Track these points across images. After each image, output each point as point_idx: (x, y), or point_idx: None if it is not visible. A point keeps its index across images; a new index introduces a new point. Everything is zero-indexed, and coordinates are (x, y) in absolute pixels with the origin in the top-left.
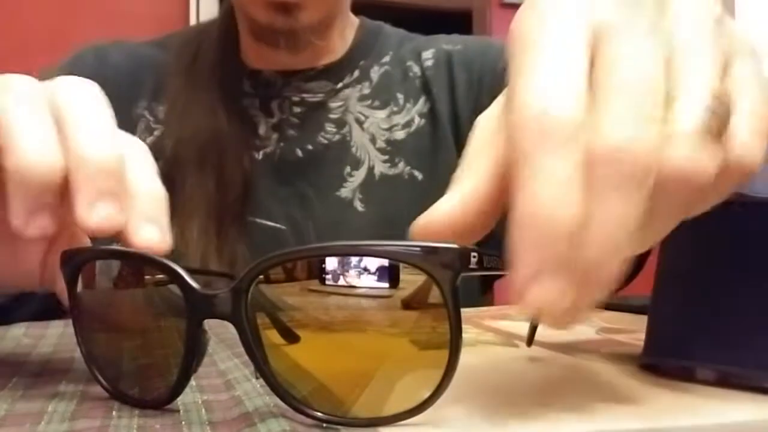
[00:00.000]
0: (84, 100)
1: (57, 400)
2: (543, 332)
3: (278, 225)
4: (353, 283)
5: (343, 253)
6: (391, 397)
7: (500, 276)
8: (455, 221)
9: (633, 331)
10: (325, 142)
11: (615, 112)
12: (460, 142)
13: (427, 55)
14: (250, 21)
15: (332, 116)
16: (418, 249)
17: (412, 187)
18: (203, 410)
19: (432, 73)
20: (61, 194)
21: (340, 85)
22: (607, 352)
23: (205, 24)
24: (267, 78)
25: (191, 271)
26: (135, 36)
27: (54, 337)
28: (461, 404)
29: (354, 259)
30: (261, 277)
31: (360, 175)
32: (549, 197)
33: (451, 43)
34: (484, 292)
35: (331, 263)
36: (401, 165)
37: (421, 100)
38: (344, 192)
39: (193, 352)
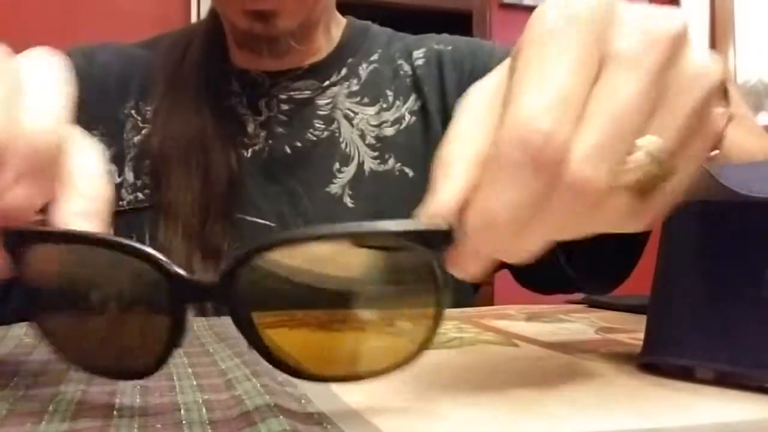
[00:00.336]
0: (43, 77)
1: (58, 400)
2: (543, 332)
3: (267, 222)
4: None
5: (335, 236)
6: (382, 354)
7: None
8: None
9: (632, 330)
10: (314, 138)
11: (588, 150)
12: None
13: (418, 54)
14: (232, 27)
15: (320, 113)
16: (404, 229)
17: (403, 183)
18: (204, 410)
19: (423, 72)
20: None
21: (326, 83)
22: (606, 352)
23: (193, 25)
24: (254, 78)
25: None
26: (135, 36)
27: None
28: (461, 404)
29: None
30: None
31: (350, 171)
32: (504, 219)
33: (442, 43)
34: (476, 289)
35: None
36: (391, 161)
37: (412, 98)
38: (334, 188)
39: (177, 337)
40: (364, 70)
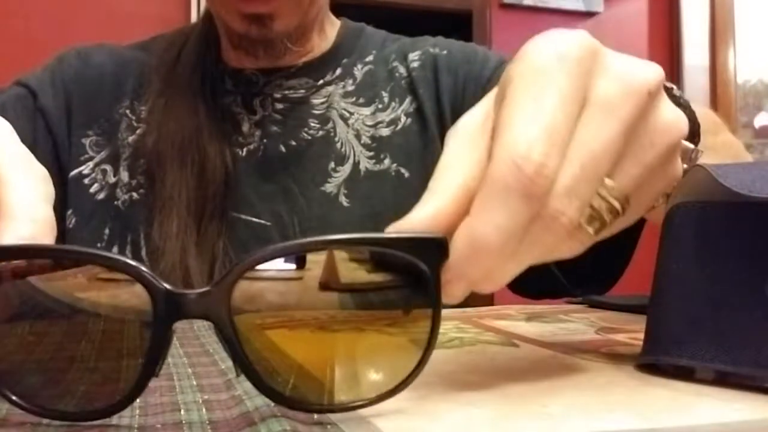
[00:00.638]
0: None
1: None
2: (543, 332)
3: (262, 221)
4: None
5: (328, 247)
6: (375, 378)
7: None
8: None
9: (632, 330)
10: (309, 137)
11: (566, 185)
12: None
13: (414, 56)
14: (227, 29)
15: (315, 112)
16: (404, 239)
17: (398, 184)
18: (204, 410)
19: (418, 75)
20: None
21: (321, 81)
22: (606, 352)
23: (188, 26)
24: (248, 77)
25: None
26: (135, 36)
27: None
28: (461, 404)
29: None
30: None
31: (345, 170)
32: (493, 244)
33: (438, 46)
34: None
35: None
36: (387, 161)
37: (407, 100)
38: (329, 187)
39: (159, 353)
40: (359, 71)
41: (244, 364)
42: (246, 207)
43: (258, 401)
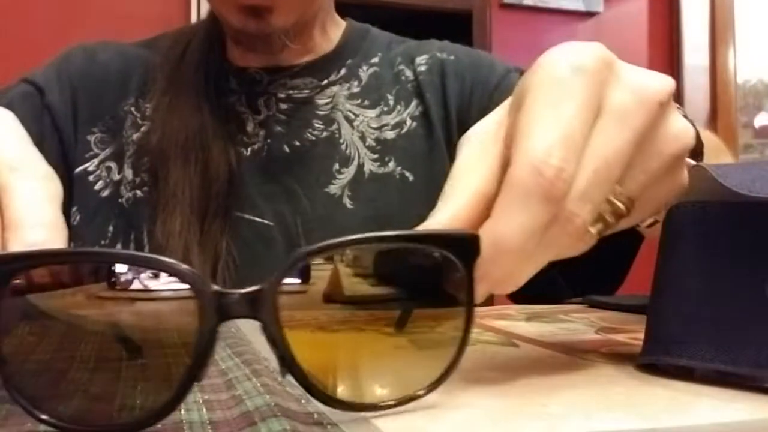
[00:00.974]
0: None
1: None
2: (543, 332)
3: (265, 221)
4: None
5: (371, 243)
6: (414, 377)
7: None
8: None
9: (632, 330)
10: (313, 138)
11: (581, 189)
12: (451, 148)
13: (421, 60)
14: (226, 24)
15: (320, 113)
16: (447, 235)
17: (402, 187)
18: (204, 410)
19: (425, 78)
20: None
21: (325, 81)
22: (606, 352)
23: (193, 25)
24: (252, 75)
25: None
26: (135, 36)
27: None
28: (461, 404)
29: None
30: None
31: (349, 172)
32: (515, 244)
33: (444, 51)
34: None
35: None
36: (391, 164)
37: (413, 104)
38: (333, 188)
39: (205, 356)
40: (364, 73)
41: (290, 365)
42: (249, 207)
43: (258, 401)
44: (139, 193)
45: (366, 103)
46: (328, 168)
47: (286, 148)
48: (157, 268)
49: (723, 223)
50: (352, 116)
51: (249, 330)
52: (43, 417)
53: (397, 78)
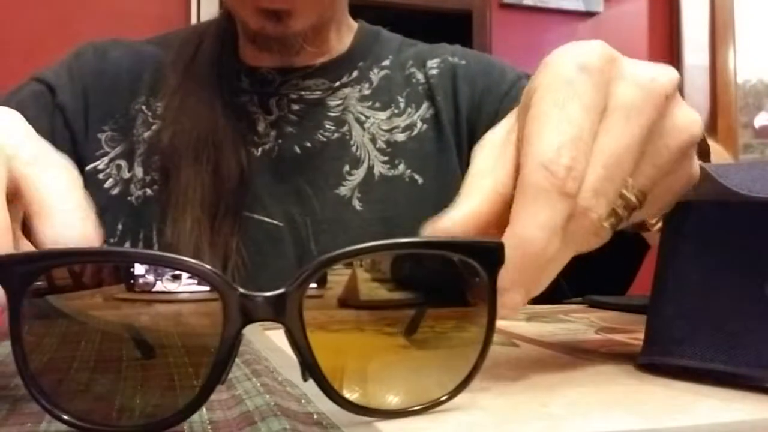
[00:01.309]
0: None
1: None
2: (543, 332)
3: (275, 221)
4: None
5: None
6: (435, 383)
7: None
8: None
9: (632, 330)
10: (324, 139)
11: (594, 184)
12: (461, 152)
13: (432, 63)
14: (243, 25)
15: (331, 114)
16: (468, 243)
17: (412, 189)
18: (204, 410)
19: (436, 82)
20: None
21: (337, 83)
22: (606, 352)
23: (206, 23)
24: (265, 75)
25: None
26: (135, 36)
27: None
28: (461, 404)
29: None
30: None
31: (359, 174)
32: (540, 241)
33: (456, 56)
34: None
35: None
36: (401, 167)
37: (424, 107)
38: (343, 190)
39: (228, 358)
40: (375, 75)
41: (312, 369)
42: (259, 207)
43: (258, 401)
44: (149, 191)
45: (377, 105)
46: (339, 169)
47: (297, 149)
48: (181, 269)
49: (723, 223)
50: (363, 118)
51: (249, 330)
52: (65, 417)
53: (408, 81)
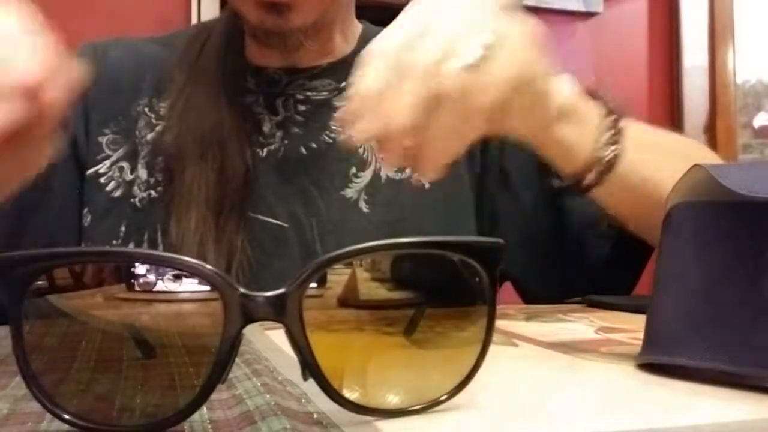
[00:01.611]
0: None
1: None
2: (543, 332)
3: (280, 222)
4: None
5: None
6: (436, 382)
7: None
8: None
9: (632, 330)
10: (330, 141)
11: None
12: (468, 155)
13: None
14: (244, 20)
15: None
16: (468, 243)
17: (418, 193)
18: (204, 409)
19: None
20: None
21: (344, 84)
22: (606, 352)
23: (210, 21)
24: (271, 75)
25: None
26: (135, 35)
27: None
28: (460, 404)
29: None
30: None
31: (366, 176)
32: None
33: None
34: None
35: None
36: (408, 170)
37: None
38: (349, 192)
39: (229, 357)
40: None
41: (312, 368)
42: (264, 207)
43: (258, 400)
44: (153, 193)
45: None
46: (345, 171)
47: (303, 150)
48: (181, 269)
49: (723, 223)
50: None
51: (249, 329)
52: (66, 417)
53: None
